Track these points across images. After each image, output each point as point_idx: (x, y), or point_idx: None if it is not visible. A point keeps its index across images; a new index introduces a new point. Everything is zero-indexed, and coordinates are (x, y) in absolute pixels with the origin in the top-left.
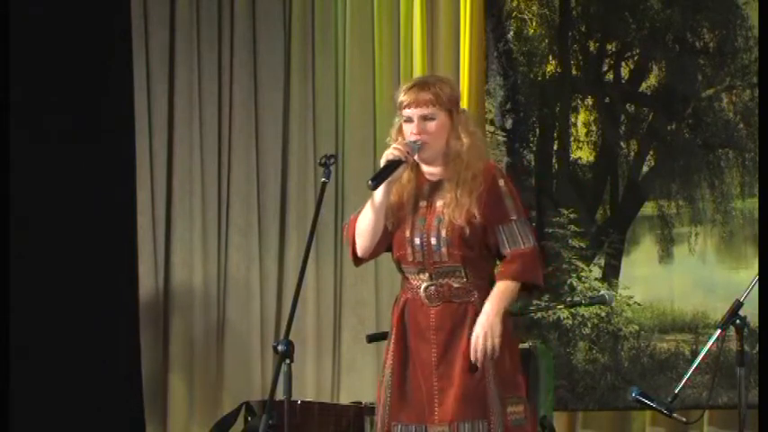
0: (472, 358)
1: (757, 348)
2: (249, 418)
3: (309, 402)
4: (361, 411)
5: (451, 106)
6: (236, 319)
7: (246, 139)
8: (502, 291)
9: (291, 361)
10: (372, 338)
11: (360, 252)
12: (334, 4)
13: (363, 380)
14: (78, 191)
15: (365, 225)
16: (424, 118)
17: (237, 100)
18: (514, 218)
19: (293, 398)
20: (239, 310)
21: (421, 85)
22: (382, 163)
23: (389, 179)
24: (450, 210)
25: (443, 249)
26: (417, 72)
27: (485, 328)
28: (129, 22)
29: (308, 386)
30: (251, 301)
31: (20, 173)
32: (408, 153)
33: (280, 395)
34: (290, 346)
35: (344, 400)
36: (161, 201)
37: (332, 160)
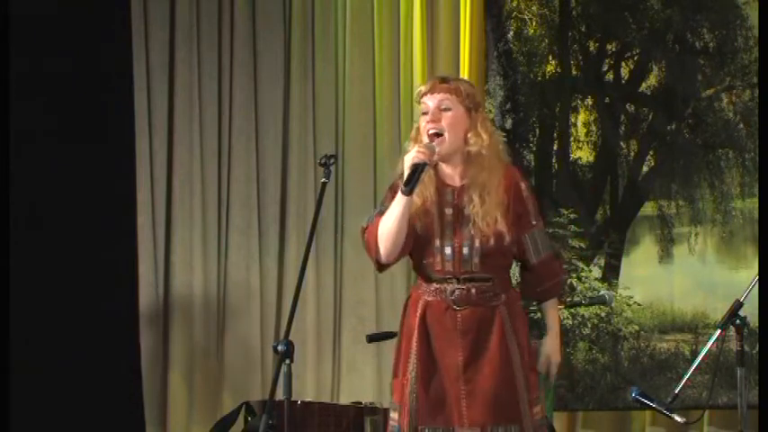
0: (552, 377)
1: (757, 348)
2: (249, 418)
3: (309, 402)
4: (361, 411)
5: (470, 104)
6: (236, 319)
7: (246, 140)
8: (556, 312)
9: (291, 361)
10: (372, 338)
11: (384, 257)
12: (334, 4)
13: (363, 380)
14: (78, 191)
15: (389, 230)
16: (440, 108)
17: (237, 100)
18: (535, 223)
19: (293, 398)
20: (239, 310)
21: (441, 77)
22: (407, 167)
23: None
24: (480, 220)
25: (476, 260)
26: (417, 72)
27: (557, 357)
28: (129, 22)
29: (308, 386)
30: (251, 301)
31: (20, 173)
32: (431, 155)
33: (280, 395)
34: (290, 346)
35: (344, 400)
36: (161, 201)
37: (332, 160)
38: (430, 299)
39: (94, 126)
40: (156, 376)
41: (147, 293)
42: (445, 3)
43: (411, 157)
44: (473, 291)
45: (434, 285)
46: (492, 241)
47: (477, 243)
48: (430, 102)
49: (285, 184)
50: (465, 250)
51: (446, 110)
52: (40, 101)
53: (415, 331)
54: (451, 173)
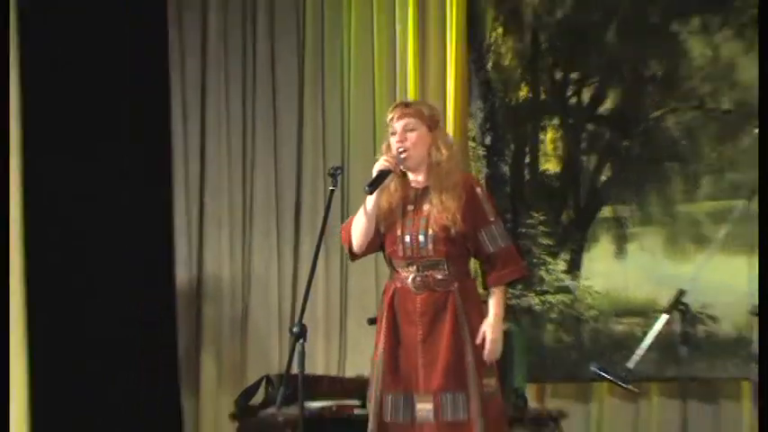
0: (486, 359)
1: (698, 329)
2: (269, 389)
3: (319, 376)
4: (363, 383)
5: (431, 123)
6: (257, 306)
7: (267, 155)
8: (500, 298)
9: (305, 341)
10: (373, 321)
11: (356, 249)
12: (340, 44)
13: (365, 357)
14: (126, 201)
15: (359, 227)
16: (406, 129)
17: (259, 123)
18: (492, 219)
19: (306, 372)
20: (260, 299)
21: (405, 103)
22: (374, 172)
23: (382, 185)
24: (438, 212)
25: (429, 246)
26: (410, 98)
27: (496, 335)
28: (166, 54)
29: (319, 362)
30: (270, 291)
31: (51, 174)
32: (396, 164)
33: (295, 369)
34: (303, 328)
35: (349, 373)
36: (195, 207)
37: (339, 171)
38: (398, 285)
39: (141, 148)
40: (191, 354)
41: (182, 285)
42: (435, 38)
43: (379, 163)
44: (430, 278)
45: (401, 274)
46: (443, 230)
47: (430, 231)
48: (397, 125)
49: (299, 193)
50: (421, 237)
51: (411, 131)
52: (95, 128)
53: (385, 314)
54: (416, 178)
